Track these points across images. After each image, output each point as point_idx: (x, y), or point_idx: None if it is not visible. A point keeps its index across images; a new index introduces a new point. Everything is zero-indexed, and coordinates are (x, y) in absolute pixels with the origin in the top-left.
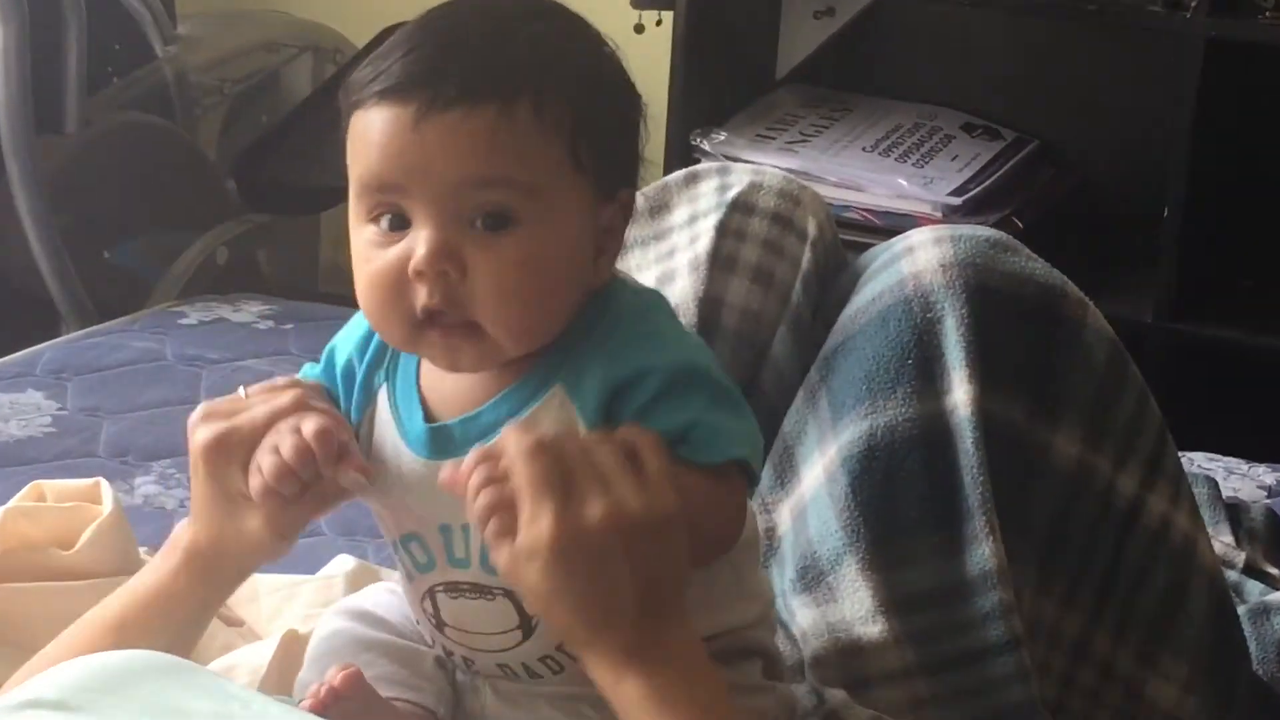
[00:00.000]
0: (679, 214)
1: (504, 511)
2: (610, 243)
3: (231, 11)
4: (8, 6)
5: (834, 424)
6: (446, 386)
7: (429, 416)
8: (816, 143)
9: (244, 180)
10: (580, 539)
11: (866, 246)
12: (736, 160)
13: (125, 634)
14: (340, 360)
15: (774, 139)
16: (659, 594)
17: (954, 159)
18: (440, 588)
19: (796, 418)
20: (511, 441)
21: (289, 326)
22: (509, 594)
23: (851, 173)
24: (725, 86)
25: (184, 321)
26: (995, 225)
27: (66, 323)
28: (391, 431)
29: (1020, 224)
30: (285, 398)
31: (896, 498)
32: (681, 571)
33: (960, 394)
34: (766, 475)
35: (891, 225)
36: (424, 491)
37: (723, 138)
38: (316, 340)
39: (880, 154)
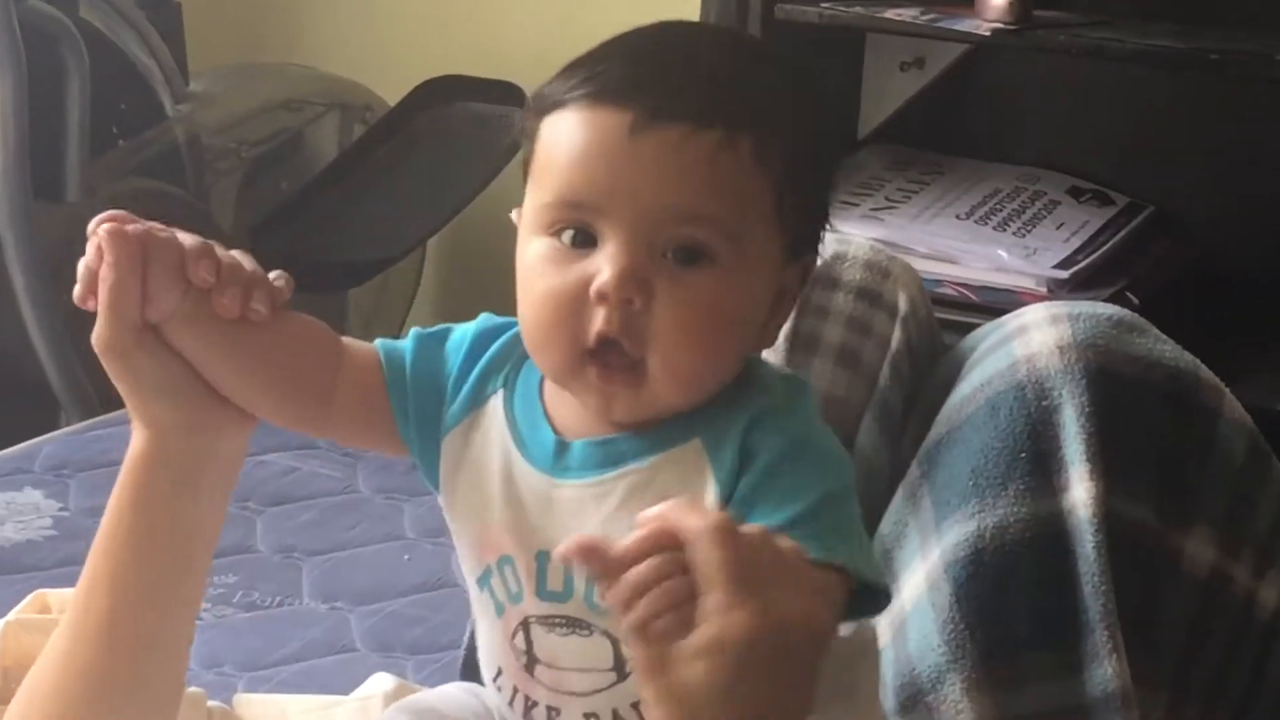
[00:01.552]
0: None
1: (681, 605)
2: (783, 308)
3: (249, 66)
4: (3, 61)
5: (937, 525)
6: (572, 405)
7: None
8: (905, 209)
9: (263, 254)
10: (775, 636)
11: (961, 325)
12: None
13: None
14: (465, 341)
15: (857, 205)
16: (796, 712)
17: (1059, 227)
18: (534, 619)
19: (895, 519)
20: (693, 522)
21: None
22: (607, 633)
23: (944, 243)
24: None
25: None
26: (1108, 301)
27: (67, 413)
28: (504, 442)
29: (1135, 299)
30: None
31: (1007, 608)
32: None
33: (1080, 492)
34: None
35: (990, 301)
36: (536, 510)
37: None
38: None
39: (977, 222)
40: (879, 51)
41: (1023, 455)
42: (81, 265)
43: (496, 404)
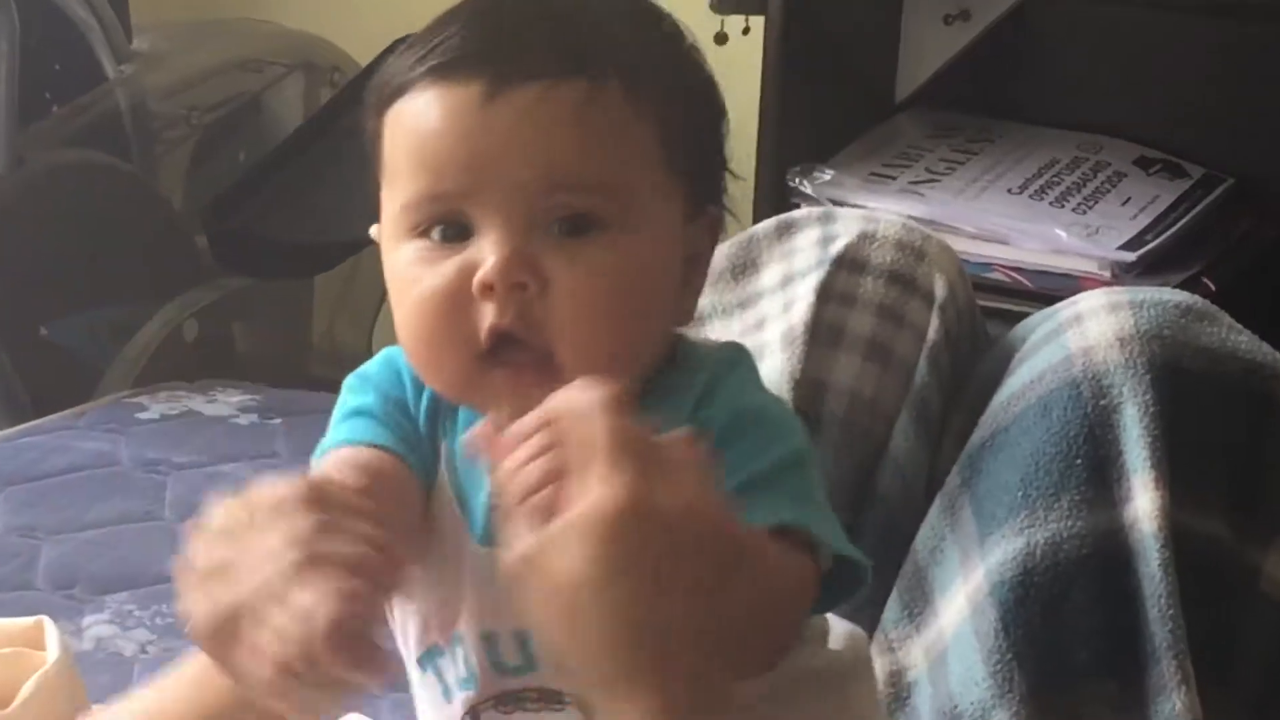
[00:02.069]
0: (770, 274)
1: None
2: (695, 274)
3: (201, 22)
4: None
5: (981, 541)
6: None
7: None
8: (948, 183)
9: (217, 234)
10: (656, 522)
11: (1013, 314)
12: (845, 206)
13: None
14: (408, 383)
15: (894, 179)
16: (726, 641)
17: (1126, 203)
18: (489, 704)
19: (932, 533)
20: (579, 394)
21: (276, 421)
22: (581, 703)
23: (994, 221)
24: (831, 111)
25: (143, 415)
26: (1181, 286)
27: None
28: (451, 507)
29: (1212, 285)
30: (294, 553)
31: (1061, 636)
32: (743, 626)
33: (1143, 503)
34: (892, 606)
35: (1046, 288)
36: (478, 586)
37: (828, 177)
38: (310, 439)
39: (1031, 197)
40: (918, 2)
41: (1078, 461)
42: (287, 625)
43: (445, 458)
